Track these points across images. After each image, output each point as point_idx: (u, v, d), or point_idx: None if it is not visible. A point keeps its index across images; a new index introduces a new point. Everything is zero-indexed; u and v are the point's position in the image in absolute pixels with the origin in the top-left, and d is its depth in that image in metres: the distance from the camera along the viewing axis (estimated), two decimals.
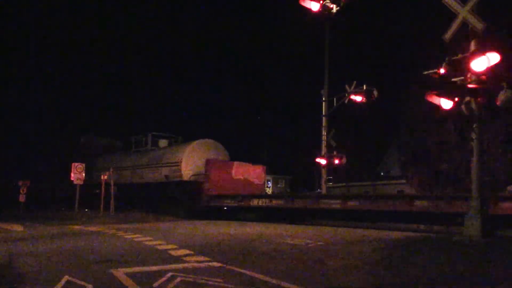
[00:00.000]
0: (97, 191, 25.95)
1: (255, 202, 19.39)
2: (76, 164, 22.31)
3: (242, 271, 7.07)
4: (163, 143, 27.65)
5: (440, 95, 10.09)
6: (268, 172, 28.52)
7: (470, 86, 9.66)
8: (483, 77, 9.45)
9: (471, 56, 9.39)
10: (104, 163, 28.81)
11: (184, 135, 28.16)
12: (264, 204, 19.01)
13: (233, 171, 22.66)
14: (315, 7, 20.39)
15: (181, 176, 22.83)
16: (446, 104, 10.01)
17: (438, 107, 10.54)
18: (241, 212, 19.98)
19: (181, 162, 22.98)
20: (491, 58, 9.07)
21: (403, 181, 28.22)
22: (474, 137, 9.91)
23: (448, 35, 10.22)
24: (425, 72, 12.29)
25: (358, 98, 20.46)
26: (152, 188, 24.67)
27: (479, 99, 9.54)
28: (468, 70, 9.50)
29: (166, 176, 23.72)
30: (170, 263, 7.74)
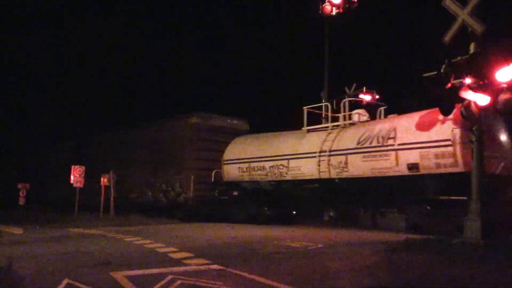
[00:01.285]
0: (235, 193, 19.63)
1: None
2: (76, 166, 22.30)
3: (242, 273, 7.07)
4: (360, 115, 17.27)
5: (440, 98, 9.96)
6: None
7: (470, 88, 9.65)
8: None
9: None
10: (243, 151, 19.92)
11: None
12: None
13: None
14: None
15: (455, 163, 12.92)
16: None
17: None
18: None
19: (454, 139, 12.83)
20: None
21: None
22: (474, 140, 9.92)
23: (447, 37, 10.24)
24: (425, 74, 12.29)
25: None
26: (374, 186, 15.17)
27: (479, 101, 9.54)
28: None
29: (412, 166, 13.94)
30: (170, 266, 7.74)
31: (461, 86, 9.90)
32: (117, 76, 43.81)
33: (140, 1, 50.60)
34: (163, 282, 6.50)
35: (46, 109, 44.06)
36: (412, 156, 13.95)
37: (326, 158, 16.46)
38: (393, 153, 14.47)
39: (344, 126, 17.34)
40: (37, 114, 44.21)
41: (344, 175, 15.91)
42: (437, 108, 11.12)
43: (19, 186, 24.59)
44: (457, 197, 12.59)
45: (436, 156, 13.38)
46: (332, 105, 19.39)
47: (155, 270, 7.36)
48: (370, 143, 15.26)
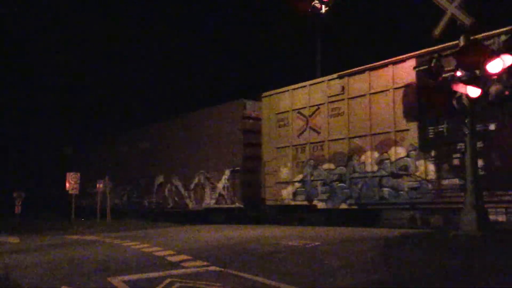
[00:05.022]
0: None
1: None
2: (71, 173, 22.22)
3: (241, 274, 7.07)
4: None
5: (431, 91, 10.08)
6: None
7: (461, 81, 9.71)
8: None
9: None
10: None
11: None
12: None
13: None
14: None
15: None
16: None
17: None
18: None
19: None
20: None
21: None
22: (467, 132, 9.96)
23: (437, 31, 10.28)
24: (416, 68, 12.35)
25: None
26: None
27: (470, 93, 9.59)
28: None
29: None
30: (168, 269, 7.73)
31: (453, 79, 9.96)
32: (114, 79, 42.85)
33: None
34: (161, 285, 6.49)
35: (45, 112, 43.02)
36: None
37: None
38: None
39: None
40: (35, 118, 43.22)
41: None
42: None
43: (14, 194, 24.42)
44: None
45: None
46: None
47: (153, 274, 7.35)
48: None
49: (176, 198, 21.73)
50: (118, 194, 25.67)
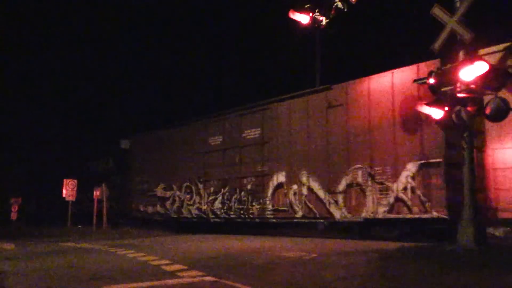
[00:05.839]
0: None
1: None
2: (68, 180, 22.18)
3: (236, 284, 7.02)
4: None
5: (430, 104, 10.18)
6: None
7: (460, 95, 9.74)
8: (473, 86, 9.55)
9: (460, 66, 9.50)
10: None
11: None
12: None
13: None
14: (305, 20, 20.45)
15: None
16: (436, 113, 10.10)
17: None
18: None
19: None
20: (480, 67, 9.17)
21: None
22: (465, 146, 9.97)
23: (436, 45, 10.32)
24: (415, 81, 12.38)
25: None
26: None
27: (469, 108, 9.62)
28: (457, 79, 9.61)
29: None
30: (164, 279, 7.67)
31: (452, 92, 9.99)
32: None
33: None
34: None
35: (44, 114, 42.30)
36: None
37: None
38: None
39: None
40: (33, 120, 42.52)
41: None
42: None
43: (12, 200, 24.34)
44: None
45: None
46: None
47: (148, 284, 7.30)
48: None
49: (310, 204, 15.87)
50: (203, 200, 19.69)
